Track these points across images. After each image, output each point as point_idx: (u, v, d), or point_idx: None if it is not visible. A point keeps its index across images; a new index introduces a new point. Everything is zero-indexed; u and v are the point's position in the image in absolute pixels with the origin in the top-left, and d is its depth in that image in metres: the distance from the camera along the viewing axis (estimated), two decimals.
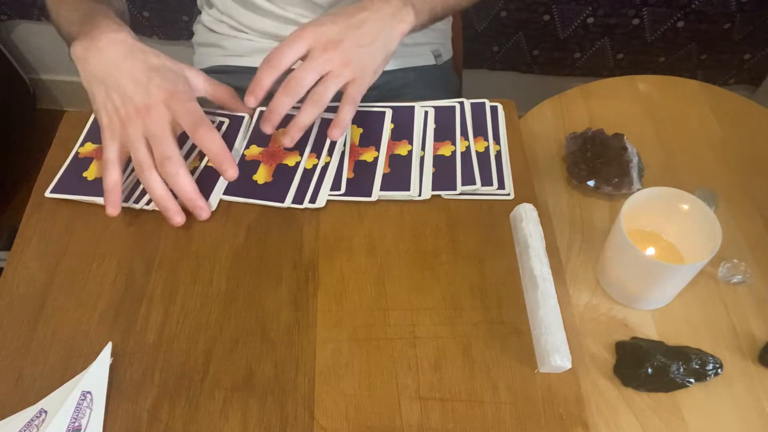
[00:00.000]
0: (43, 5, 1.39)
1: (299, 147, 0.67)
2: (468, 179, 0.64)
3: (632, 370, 0.58)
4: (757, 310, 0.63)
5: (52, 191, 0.63)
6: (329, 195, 0.63)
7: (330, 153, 0.66)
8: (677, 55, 1.33)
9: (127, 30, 0.61)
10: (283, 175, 0.64)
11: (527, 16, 1.29)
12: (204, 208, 0.60)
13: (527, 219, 0.58)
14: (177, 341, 0.54)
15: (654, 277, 0.58)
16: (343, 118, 0.61)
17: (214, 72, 0.88)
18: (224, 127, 0.68)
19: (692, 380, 0.57)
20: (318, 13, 0.80)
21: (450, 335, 0.54)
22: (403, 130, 0.68)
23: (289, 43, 0.60)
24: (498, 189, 0.64)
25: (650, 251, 0.62)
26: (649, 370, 0.56)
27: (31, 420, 0.49)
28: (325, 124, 0.68)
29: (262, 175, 0.65)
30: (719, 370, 0.58)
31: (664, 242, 0.64)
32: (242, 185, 0.64)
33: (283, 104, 0.60)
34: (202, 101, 0.86)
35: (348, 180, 0.64)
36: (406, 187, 0.63)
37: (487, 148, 0.67)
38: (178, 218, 0.59)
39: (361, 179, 0.64)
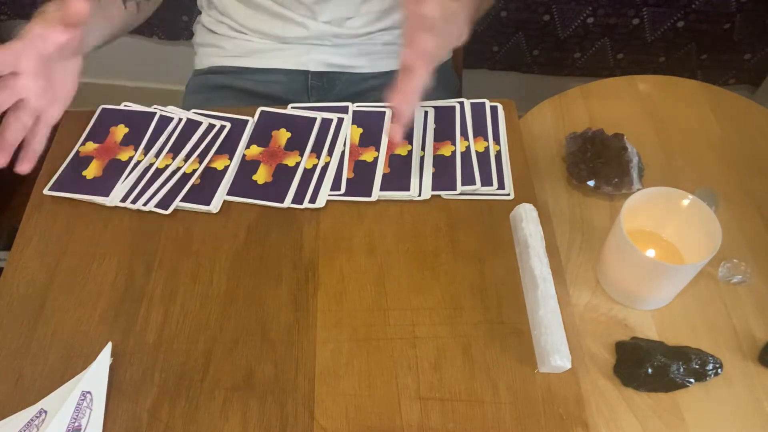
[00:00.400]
0: (43, 5, 1.39)
1: (299, 147, 0.67)
2: (468, 179, 0.64)
3: (632, 370, 0.58)
4: (757, 310, 0.63)
5: (50, 188, 0.63)
6: (329, 195, 0.63)
7: (330, 153, 0.66)
8: (677, 55, 1.33)
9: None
10: (283, 175, 0.64)
11: (527, 16, 1.29)
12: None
13: (527, 219, 0.58)
14: (177, 341, 0.54)
15: (654, 277, 0.58)
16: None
17: (213, 72, 0.88)
18: (225, 131, 0.68)
19: (692, 380, 0.57)
20: (316, 13, 0.80)
21: (450, 335, 0.54)
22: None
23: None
24: (498, 189, 0.64)
25: (650, 251, 0.62)
26: (649, 370, 0.56)
27: (31, 420, 0.49)
28: (325, 125, 0.68)
29: (262, 175, 0.65)
30: (719, 370, 0.58)
31: (664, 242, 0.64)
32: (242, 185, 0.64)
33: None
34: (203, 105, 0.86)
35: (348, 180, 0.64)
36: (406, 187, 0.63)
37: (487, 148, 0.67)
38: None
39: (361, 179, 0.64)
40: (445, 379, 0.52)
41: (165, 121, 0.69)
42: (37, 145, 0.60)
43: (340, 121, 0.69)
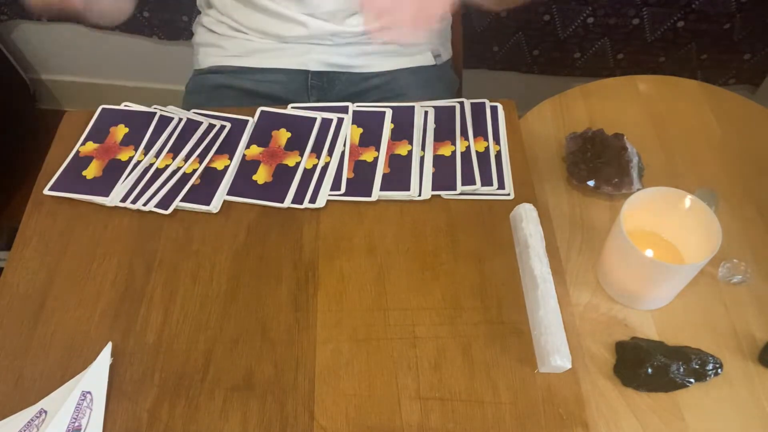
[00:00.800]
0: None
1: (299, 147, 0.67)
2: (468, 179, 0.64)
3: (632, 370, 0.58)
4: (757, 310, 0.63)
5: (50, 188, 0.63)
6: (329, 195, 0.63)
7: (330, 153, 0.66)
8: (677, 55, 1.33)
9: None
10: (283, 175, 0.64)
11: (527, 16, 1.29)
12: None
13: (527, 219, 0.58)
14: (177, 341, 0.54)
15: (654, 277, 0.58)
16: None
17: (213, 72, 0.88)
18: (225, 131, 0.68)
19: (692, 380, 0.57)
20: (317, 12, 0.80)
21: (450, 335, 0.54)
22: (403, 130, 0.68)
23: None
24: (498, 189, 0.64)
25: (650, 251, 0.62)
26: (649, 370, 0.56)
27: (31, 420, 0.49)
28: (325, 125, 0.68)
29: (262, 175, 0.65)
30: (719, 370, 0.58)
31: (664, 242, 0.64)
32: (242, 185, 0.64)
33: None
34: (203, 105, 0.86)
35: (348, 180, 0.64)
36: (406, 187, 0.63)
37: (487, 148, 0.67)
38: None
39: (361, 179, 0.64)
40: (445, 379, 0.52)
41: (165, 121, 0.69)
42: None
43: (340, 121, 0.69)
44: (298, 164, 0.65)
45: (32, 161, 0.81)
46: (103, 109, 0.71)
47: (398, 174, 0.64)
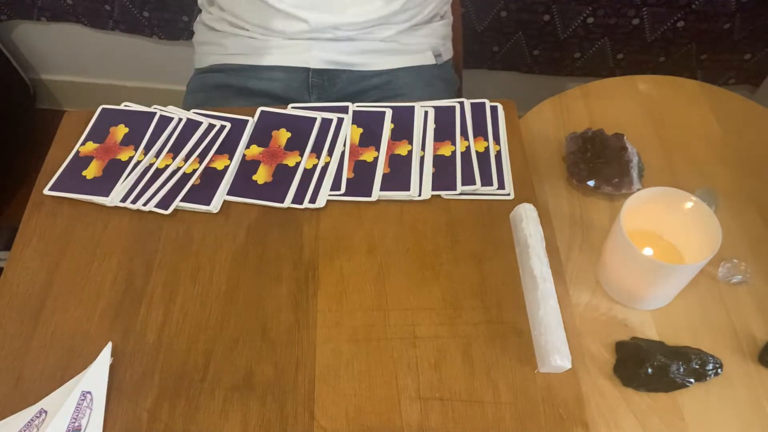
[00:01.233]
0: (43, 5, 1.39)
1: (299, 147, 0.67)
2: (468, 179, 0.64)
3: (632, 370, 0.58)
4: (757, 310, 0.63)
5: (51, 189, 0.63)
6: (329, 195, 0.63)
7: (330, 153, 0.66)
8: (677, 55, 1.33)
9: None
10: (283, 175, 0.64)
11: (527, 16, 1.29)
12: None
13: (527, 219, 0.58)
14: (177, 341, 0.54)
15: (654, 277, 0.58)
16: None
17: (214, 71, 0.88)
18: (225, 131, 0.68)
19: (692, 380, 0.57)
20: (317, 6, 0.80)
21: (450, 335, 0.54)
22: (403, 130, 0.68)
23: None
24: (498, 189, 0.64)
25: (650, 251, 0.62)
26: (649, 370, 0.56)
27: (31, 420, 0.49)
28: (325, 125, 0.68)
29: (262, 175, 0.65)
30: (719, 370, 0.58)
31: (664, 242, 0.64)
32: (242, 185, 0.64)
33: None
34: (204, 104, 0.86)
35: (348, 180, 0.64)
36: (406, 187, 0.63)
37: (487, 148, 0.67)
38: None
39: (361, 179, 0.64)
40: (445, 379, 0.52)
41: (165, 121, 0.69)
42: None
43: (340, 121, 0.69)
44: (298, 164, 0.65)
45: (32, 161, 0.81)
46: (103, 109, 0.71)
47: (398, 174, 0.64)
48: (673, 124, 0.80)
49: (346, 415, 0.50)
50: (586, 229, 0.69)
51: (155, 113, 0.69)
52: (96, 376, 0.51)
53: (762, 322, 0.62)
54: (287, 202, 0.62)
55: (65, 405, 0.48)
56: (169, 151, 0.66)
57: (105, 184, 0.63)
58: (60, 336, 0.54)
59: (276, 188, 0.63)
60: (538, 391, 0.51)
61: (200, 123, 0.68)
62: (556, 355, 0.49)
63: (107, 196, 0.62)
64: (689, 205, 0.59)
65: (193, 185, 0.63)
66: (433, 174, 0.65)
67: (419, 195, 0.63)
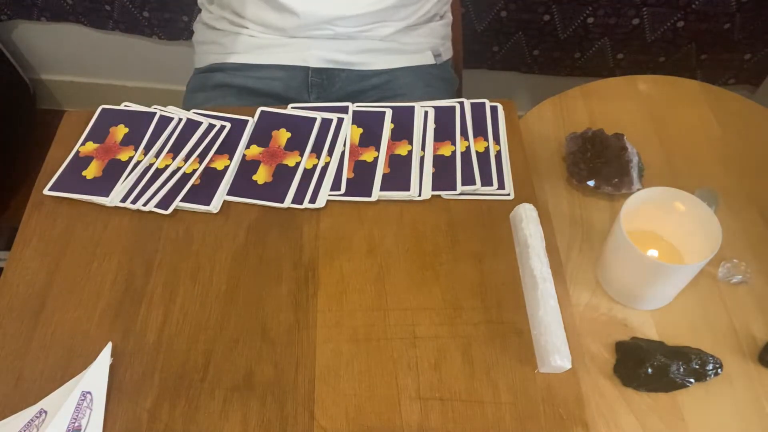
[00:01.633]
0: (43, 5, 1.39)
1: (299, 147, 0.67)
2: (468, 179, 0.64)
3: (632, 370, 0.58)
4: (757, 310, 0.63)
5: (50, 189, 0.63)
6: (329, 195, 0.63)
7: (330, 153, 0.66)
8: (677, 55, 1.33)
9: None
10: (283, 175, 0.64)
11: (527, 16, 1.29)
12: None
13: (527, 219, 0.58)
14: (177, 341, 0.54)
15: (654, 277, 0.58)
16: None
17: (213, 70, 0.88)
18: (225, 131, 0.68)
19: (692, 380, 0.57)
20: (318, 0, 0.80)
21: (450, 335, 0.54)
22: (403, 130, 0.68)
23: None
24: (498, 189, 0.64)
25: (650, 251, 0.62)
26: (649, 370, 0.56)
27: (31, 420, 0.49)
28: (325, 125, 0.68)
29: (262, 175, 0.65)
30: (719, 370, 0.58)
31: (664, 242, 0.64)
32: (242, 185, 0.64)
33: None
34: (204, 104, 0.86)
35: (348, 180, 0.64)
36: (406, 187, 0.63)
37: (487, 148, 0.67)
38: None
39: (361, 179, 0.64)
40: (445, 379, 0.52)
41: (165, 121, 0.69)
42: None
43: (340, 121, 0.69)
44: (298, 164, 0.65)
45: (32, 161, 0.81)
46: (103, 109, 0.71)
47: (398, 174, 0.64)
48: (673, 124, 0.80)
49: (346, 415, 0.50)
50: (586, 229, 0.69)
51: (155, 113, 0.69)
52: (96, 376, 0.51)
53: (762, 322, 0.62)
54: (287, 202, 0.62)
55: (65, 405, 0.48)
56: (169, 151, 0.66)
57: (105, 184, 0.63)
58: (60, 336, 0.54)
59: (276, 188, 0.63)
60: (538, 391, 0.51)
61: (200, 123, 0.68)
62: (556, 355, 0.49)
63: (107, 196, 0.62)
64: (689, 205, 0.59)
65: (193, 185, 0.63)
66: (433, 174, 0.65)
67: (419, 195, 0.63)
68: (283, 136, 0.68)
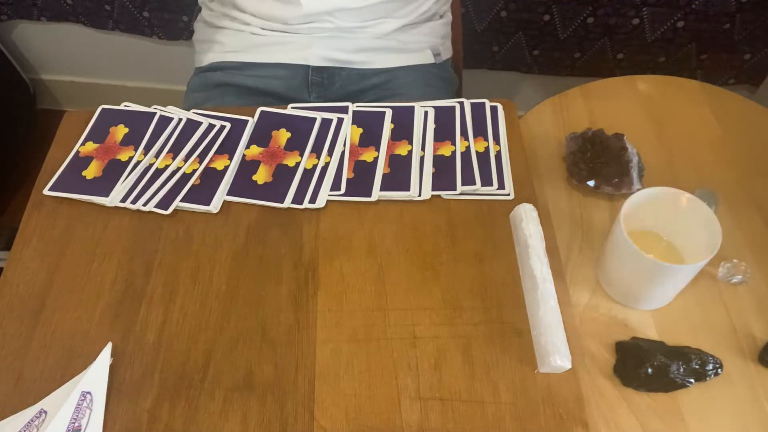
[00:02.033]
0: (43, 5, 1.39)
1: (299, 147, 0.67)
2: (468, 179, 0.64)
3: (632, 370, 0.58)
4: (757, 310, 0.63)
5: (50, 189, 0.63)
6: (329, 195, 0.63)
7: (330, 153, 0.66)
8: (677, 55, 1.33)
9: None
10: (283, 176, 0.64)
11: (527, 16, 1.29)
12: None
13: (527, 219, 0.58)
14: (177, 341, 0.54)
15: (654, 278, 0.58)
16: None
17: (213, 69, 0.88)
18: (225, 131, 0.68)
19: (692, 380, 0.57)
20: None
21: (450, 335, 0.54)
22: (403, 130, 0.68)
23: None
24: (498, 189, 0.64)
25: (650, 251, 0.62)
26: (649, 370, 0.56)
27: (31, 420, 0.49)
28: (325, 125, 0.68)
29: (262, 175, 0.65)
30: (719, 370, 0.58)
31: (664, 242, 0.64)
32: (242, 185, 0.64)
33: None
34: (204, 103, 0.86)
35: (348, 180, 0.64)
36: (406, 187, 0.63)
37: (487, 148, 0.67)
38: None
39: (361, 179, 0.64)
40: (445, 379, 0.52)
41: (165, 121, 0.69)
42: None
43: (340, 121, 0.69)
44: (298, 164, 0.65)
45: (32, 161, 0.81)
46: (103, 109, 0.71)
47: (398, 174, 0.64)
48: (673, 124, 0.80)
49: (346, 415, 0.50)
50: (586, 229, 0.69)
51: (155, 113, 0.69)
52: (96, 376, 0.51)
53: (762, 322, 0.62)
54: (287, 202, 0.62)
55: (65, 405, 0.48)
56: (169, 151, 0.66)
57: (105, 184, 0.63)
58: (60, 336, 0.54)
59: (276, 188, 0.63)
60: (538, 391, 0.51)
61: (200, 123, 0.68)
62: (556, 355, 0.49)
63: (107, 196, 0.62)
64: (689, 205, 0.59)
65: (193, 185, 0.63)
66: (433, 174, 0.65)
67: (419, 195, 0.63)
68: (283, 136, 0.68)
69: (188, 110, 0.70)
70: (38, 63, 1.61)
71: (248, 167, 0.65)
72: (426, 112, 0.70)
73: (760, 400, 0.58)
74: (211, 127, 0.68)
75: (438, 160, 0.66)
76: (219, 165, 0.65)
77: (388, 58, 0.87)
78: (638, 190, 0.67)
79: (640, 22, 1.26)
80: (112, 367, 0.52)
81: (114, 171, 0.64)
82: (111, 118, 0.70)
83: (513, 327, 0.55)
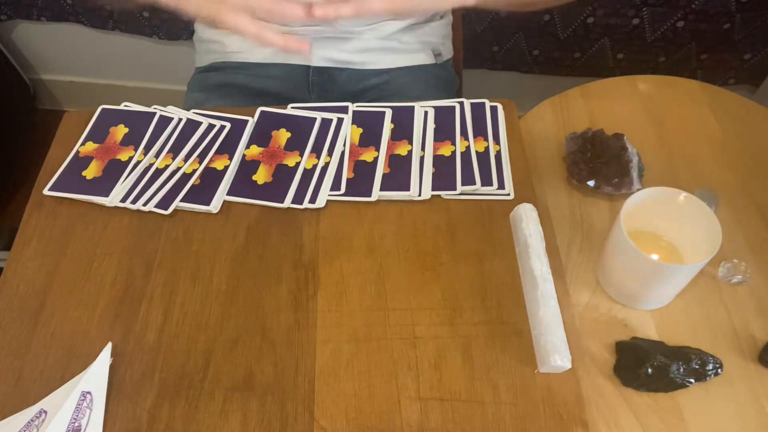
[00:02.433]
0: (43, 5, 1.39)
1: (299, 147, 0.67)
2: (468, 179, 0.64)
3: (632, 370, 0.58)
4: (757, 310, 0.63)
5: (50, 189, 0.63)
6: (329, 195, 0.63)
7: (330, 153, 0.66)
8: (677, 55, 1.33)
9: None
10: (282, 175, 0.64)
11: (527, 16, 1.29)
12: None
13: (527, 219, 0.58)
14: (177, 341, 0.54)
15: (654, 277, 0.58)
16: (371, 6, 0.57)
17: (214, 69, 0.88)
18: (225, 131, 0.68)
19: (692, 380, 0.57)
20: None
21: (450, 335, 0.54)
22: (403, 130, 0.68)
23: None
24: (498, 189, 0.64)
25: (650, 251, 0.62)
26: (649, 370, 0.56)
27: (31, 420, 0.49)
28: (325, 125, 0.68)
29: (262, 175, 0.65)
30: (719, 370, 0.58)
31: (664, 242, 0.64)
32: (242, 185, 0.64)
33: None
34: (204, 103, 0.85)
35: (348, 180, 0.64)
36: (406, 187, 0.63)
37: (487, 148, 0.67)
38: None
39: (361, 179, 0.64)
40: (445, 379, 0.52)
41: (165, 121, 0.69)
42: None
43: (340, 121, 0.69)
44: (298, 164, 0.65)
45: (32, 161, 0.81)
46: (103, 109, 0.71)
47: (398, 174, 0.64)
48: (673, 124, 0.80)
49: (346, 415, 0.50)
50: (586, 229, 0.69)
51: (155, 113, 0.69)
52: (96, 376, 0.51)
53: (762, 322, 0.62)
54: (287, 202, 0.62)
55: (65, 405, 0.48)
56: (168, 151, 0.66)
57: (105, 184, 0.63)
58: (60, 336, 0.54)
59: (276, 188, 0.63)
60: (538, 391, 0.51)
61: (200, 123, 0.68)
62: (556, 355, 0.49)
63: (107, 196, 0.62)
64: (689, 205, 0.59)
65: (193, 185, 0.63)
66: (433, 174, 0.65)
67: (419, 195, 0.63)
68: (283, 136, 0.68)
69: (188, 110, 0.70)
70: (38, 63, 1.61)
71: (248, 167, 0.65)
72: (426, 112, 0.70)
73: (760, 400, 0.58)
74: (211, 127, 0.68)
75: (438, 160, 0.66)
76: (219, 165, 0.65)
77: (389, 58, 0.87)
78: (638, 190, 0.67)
79: (640, 22, 1.26)
80: (112, 367, 0.52)
81: (114, 171, 0.64)
82: (111, 118, 0.70)
83: (513, 327, 0.55)
